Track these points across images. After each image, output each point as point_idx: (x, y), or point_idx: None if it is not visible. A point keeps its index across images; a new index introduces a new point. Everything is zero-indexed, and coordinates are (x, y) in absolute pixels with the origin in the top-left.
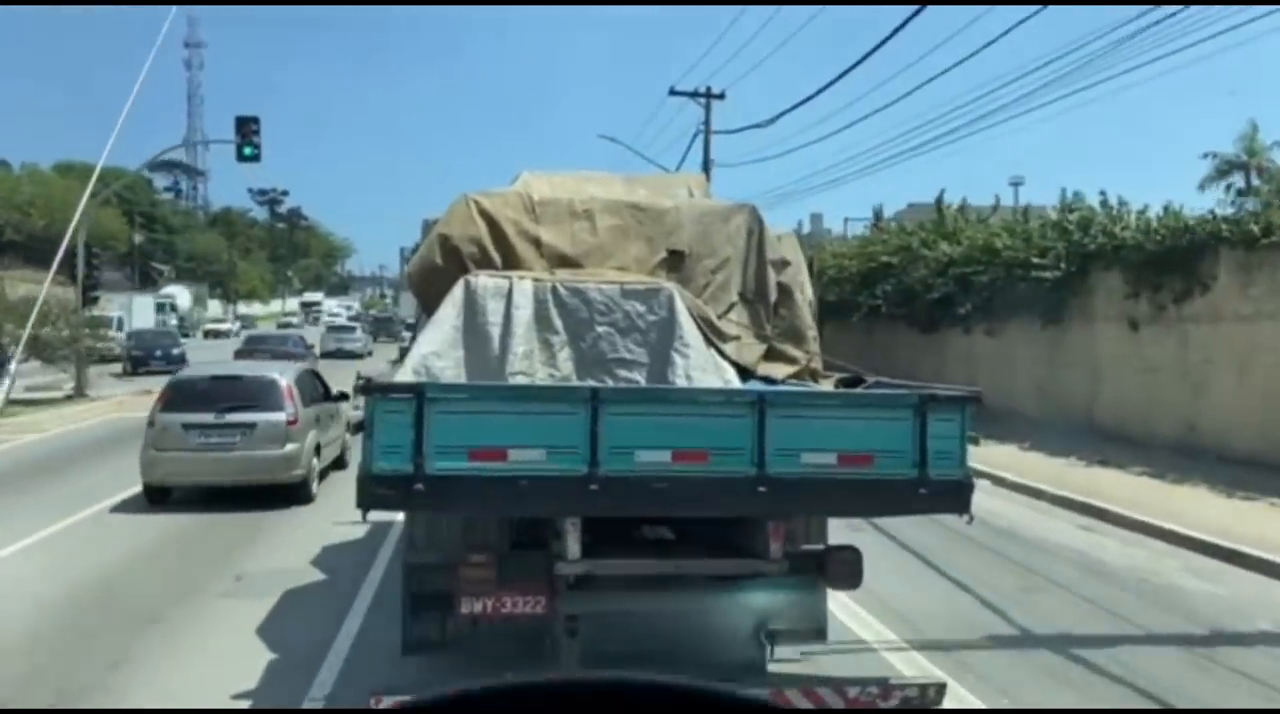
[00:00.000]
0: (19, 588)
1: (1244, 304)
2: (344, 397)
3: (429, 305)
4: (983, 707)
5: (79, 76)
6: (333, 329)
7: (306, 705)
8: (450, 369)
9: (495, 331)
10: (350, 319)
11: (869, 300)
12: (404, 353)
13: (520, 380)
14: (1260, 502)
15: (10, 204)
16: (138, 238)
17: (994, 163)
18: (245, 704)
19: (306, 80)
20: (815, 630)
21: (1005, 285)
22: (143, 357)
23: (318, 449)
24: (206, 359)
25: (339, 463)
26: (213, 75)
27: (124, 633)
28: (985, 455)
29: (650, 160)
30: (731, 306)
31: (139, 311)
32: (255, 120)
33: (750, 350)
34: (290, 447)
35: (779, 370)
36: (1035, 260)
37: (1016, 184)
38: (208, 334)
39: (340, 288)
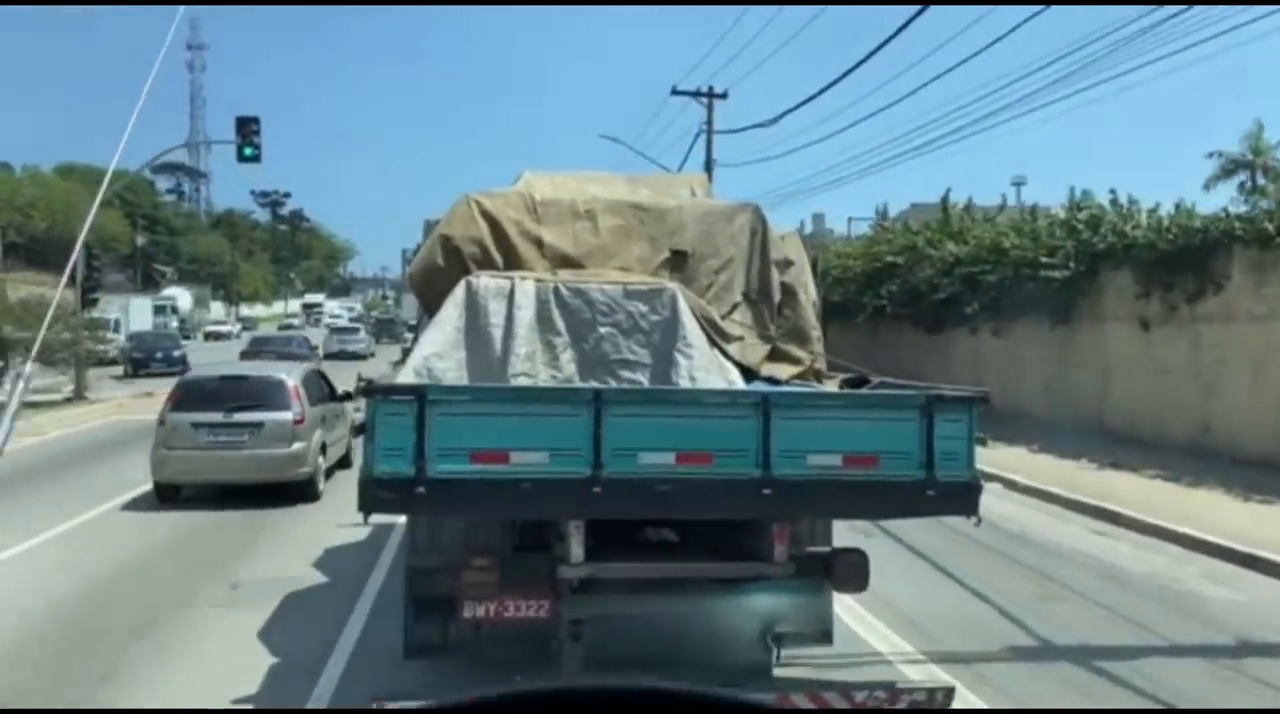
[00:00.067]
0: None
1: (1258, 304)
2: (349, 396)
3: (431, 306)
4: (985, 707)
5: (80, 78)
6: (336, 330)
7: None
8: (452, 371)
9: (497, 333)
10: (352, 320)
11: (874, 300)
12: (406, 354)
13: (522, 382)
14: (1278, 505)
15: (12, 206)
16: (140, 240)
17: (996, 163)
18: (248, 705)
19: (309, 83)
20: (821, 633)
21: (1013, 285)
22: (143, 359)
23: (324, 448)
24: (207, 361)
25: (344, 461)
26: (215, 78)
27: (124, 635)
28: (994, 457)
29: (652, 160)
30: (735, 307)
31: (136, 314)
32: (255, 120)
33: (754, 351)
34: (297, 445)
35: (783, 371)
36: (1044, 259)
37: (1019, 184)
38: (208, 336)
39: (342, 289)
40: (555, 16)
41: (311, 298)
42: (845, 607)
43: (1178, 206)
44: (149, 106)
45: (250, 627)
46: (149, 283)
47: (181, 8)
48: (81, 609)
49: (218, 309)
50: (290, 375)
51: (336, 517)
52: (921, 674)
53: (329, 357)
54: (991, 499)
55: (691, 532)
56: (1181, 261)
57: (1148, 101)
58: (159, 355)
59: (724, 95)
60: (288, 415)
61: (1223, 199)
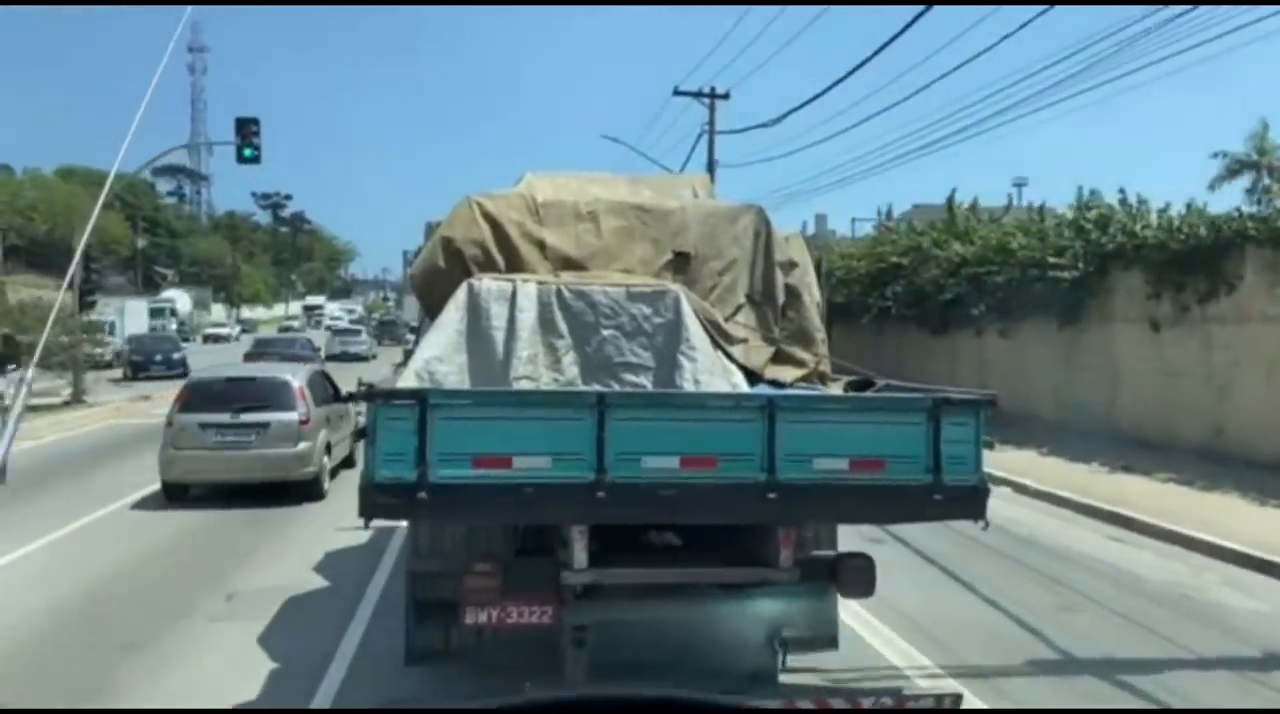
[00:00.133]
0: None
1: (1271, 304)
2: (352, 398)
3: (432, 309)
4: (986, 707)
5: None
6: (338, 332)
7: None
8: (454, 374)
9: (499, 335)
10: (354, 322)
11: (878, 302)
12: (408, 356)
13: (524, 385)
14: None
15: (13, 209)
16: (141, 242)
17: (999, 163)
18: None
19: (309, 83)
20: (827, 639)
21: (1020, 286)
22: (143, 362)
23: (328, 447)
24: (207, 364)
25: (348, 461)
26: (216, 80)
27: (121, 647)
28: (1004, 461)
29: (654, 161)
30: (739, 309)
31: (132, 316)
32: (255, 121)
33: (758, 353)
34: (303, 445)
35: (787, 373)
36: (1052, 260)
37: (1020, 184)
38: (207, 339)
39: (343, 291)
40: (556, 17)
41: (312, 300)
42: (851, 612)
43: (1189, 206)
44: (151, 109)
45: (254, 626)
46: (150, 285)
47: (188, 8)
48: (78, 618)
49: (219, 311)
50: (296, 376)
51: (340, 517)
52: (928, 681)
53: (331, 358)
54: (1000, 503)
55: (696, 536)
56: (1193, 262)
57: (1149, 102)
58: (158, 358)
59: (726, 96)
60: (293, 416)
61: (1228, 199)
